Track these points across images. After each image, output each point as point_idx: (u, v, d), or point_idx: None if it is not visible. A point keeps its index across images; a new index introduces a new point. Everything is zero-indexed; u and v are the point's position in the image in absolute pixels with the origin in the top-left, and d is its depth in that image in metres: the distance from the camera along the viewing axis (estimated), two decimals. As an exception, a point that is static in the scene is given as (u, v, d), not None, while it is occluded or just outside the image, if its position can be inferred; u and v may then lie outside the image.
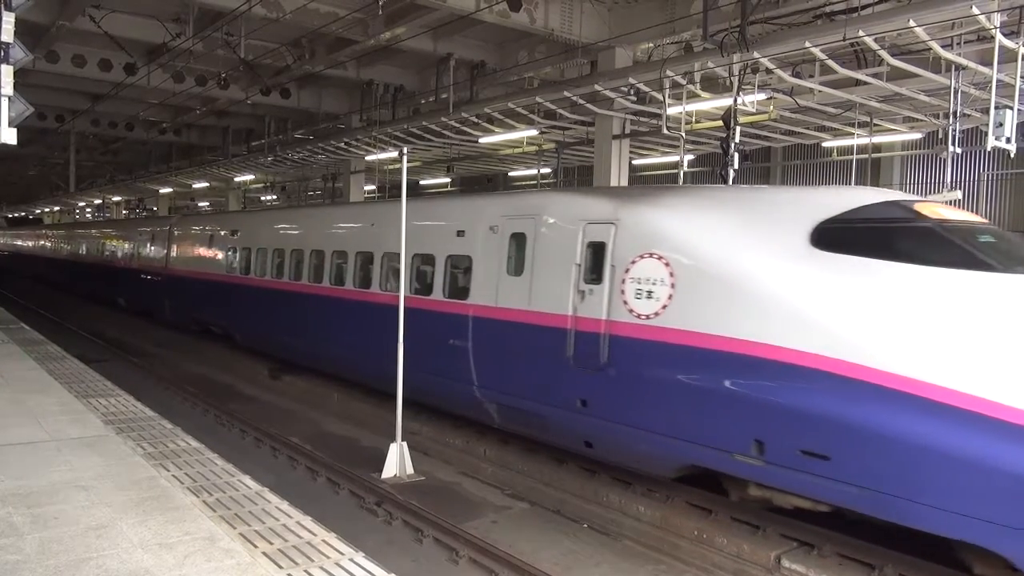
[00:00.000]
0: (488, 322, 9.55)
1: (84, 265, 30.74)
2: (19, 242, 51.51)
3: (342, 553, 4.84)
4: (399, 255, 10.23)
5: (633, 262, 7.75)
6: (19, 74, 6.67)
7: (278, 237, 15.65)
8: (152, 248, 22.27)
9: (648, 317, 7.55)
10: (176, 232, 20.98)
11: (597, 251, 8.22)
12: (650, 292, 7.56)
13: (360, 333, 12.27)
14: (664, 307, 7.42)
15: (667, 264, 7.44)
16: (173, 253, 20.80)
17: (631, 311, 7.70)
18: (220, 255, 17.91)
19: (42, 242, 42.44)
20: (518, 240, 9.32)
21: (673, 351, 7.29)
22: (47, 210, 60.12)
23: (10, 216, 68.60)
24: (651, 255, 7.61)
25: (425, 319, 10.49)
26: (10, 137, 6.60)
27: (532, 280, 8.93)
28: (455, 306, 10.18)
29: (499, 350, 9.48)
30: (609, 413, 8.09)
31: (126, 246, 24.91)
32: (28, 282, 42.01)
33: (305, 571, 4.59)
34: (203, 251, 18.84)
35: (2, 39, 6.39)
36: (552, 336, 8.50)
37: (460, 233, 10.32)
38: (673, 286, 7.36)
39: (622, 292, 7.82)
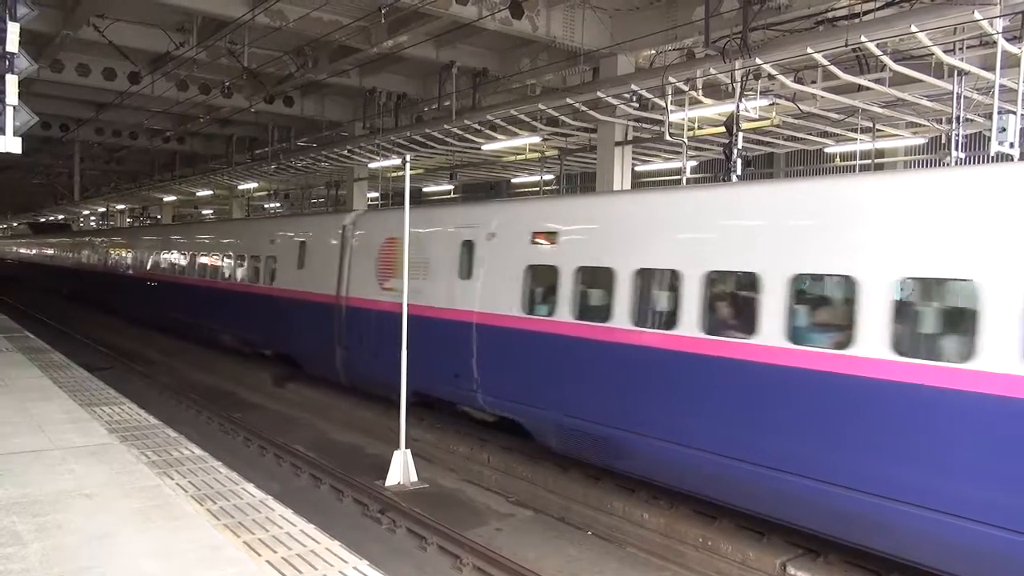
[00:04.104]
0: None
1: (163, 285, 23.08)
2: (52, 252, 41.86)
3: (346, 561, 4.83)
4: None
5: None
6: (24, 83, 6.70)
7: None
8: (302, 261, 15.00)
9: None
10: (359, 236, 13.41)
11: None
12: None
13: None
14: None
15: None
16: (357, 272, 13.30)
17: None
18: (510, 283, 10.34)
19: (86, 252, 33.51)
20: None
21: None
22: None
23: (37, 222, 58.70)
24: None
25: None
26: (15, 146, 6.63)
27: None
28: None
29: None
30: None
31: (242, 259, 17.81)
32: (63, 302, 35.24)
33: (309, 579, 4.58)
34: (443, 273, 11.42)
35: (7, 49, 6.43)
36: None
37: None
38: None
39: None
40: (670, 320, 8.14)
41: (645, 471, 8.52)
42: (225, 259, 18.76)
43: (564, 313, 9.27)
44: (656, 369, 8.28)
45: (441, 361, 10.96)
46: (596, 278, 9.13)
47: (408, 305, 10.58)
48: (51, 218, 56.03)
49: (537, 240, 9.86)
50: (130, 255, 26.64)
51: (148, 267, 24.43)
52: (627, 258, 8.64)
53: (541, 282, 9.81)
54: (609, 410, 8.66)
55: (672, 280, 8.23)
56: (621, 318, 8.58)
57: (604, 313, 8.82)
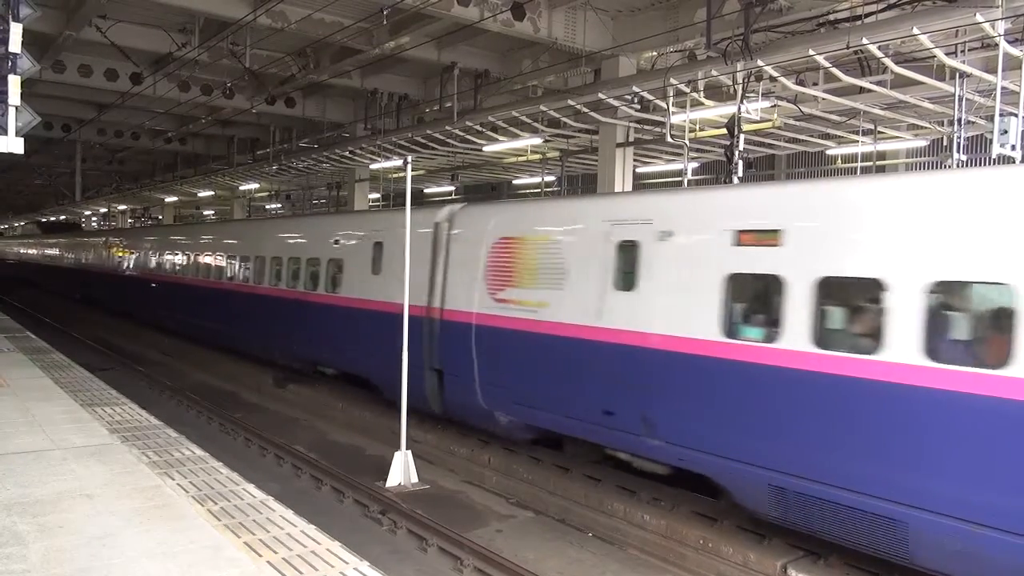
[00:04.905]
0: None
1: (197, 292, 20.47)
2: (67, 253, 38.33)
3: (346, 562, 4.83)
4: None
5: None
6: (26, 84, 6.71)
7: None
8: (378, 265, 12.80)
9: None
10: (458, 235, 11.26)
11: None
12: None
13: None
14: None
15: None
16: (456, 280, 11.08)
17: None
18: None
19: (108, 253, 30.13)
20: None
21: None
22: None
23: (48, 221, 56.13)
24: None
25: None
26: (17, 146, 6.64)
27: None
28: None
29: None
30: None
31: (296, 263, 15.69)
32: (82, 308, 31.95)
33: (310, 580, 4.58)
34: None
35: (9, 49, 6.44)
36: None
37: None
38: None
39: None
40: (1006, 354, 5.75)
41: None
42: (273, 263, 16.37)
43: (796, 339, 6.93)
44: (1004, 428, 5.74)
45: (582, 393, 8.83)
46: (853, 293, 6.86)
47: (535, 320, 9.23)
48: (58, 218, 54.13)
49: (745, 241, 7.56)
50: (160, 257, 23.90)
51: (180, 271, 21.98)
52: (911, 267, 6.28)
53: (752, 297, 7.61)
54: (898, 484, 6.24)
55: (994, 295, 6.01)
56: (905, 350, 6.22)
57: (871, 342, 6.49)
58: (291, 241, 16.16)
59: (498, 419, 10.18)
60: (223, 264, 19.10)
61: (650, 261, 8.28)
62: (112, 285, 29.36)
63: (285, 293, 15.74)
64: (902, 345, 6.24)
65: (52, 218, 54.88)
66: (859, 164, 16.31)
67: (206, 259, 20.34)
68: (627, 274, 8.54)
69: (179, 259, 22.31)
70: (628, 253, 8.56)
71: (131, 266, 27.18)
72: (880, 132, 15.45)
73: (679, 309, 7.91)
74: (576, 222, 9.43)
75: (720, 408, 7.52)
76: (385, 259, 12.53)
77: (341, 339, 13.66)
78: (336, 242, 13.87)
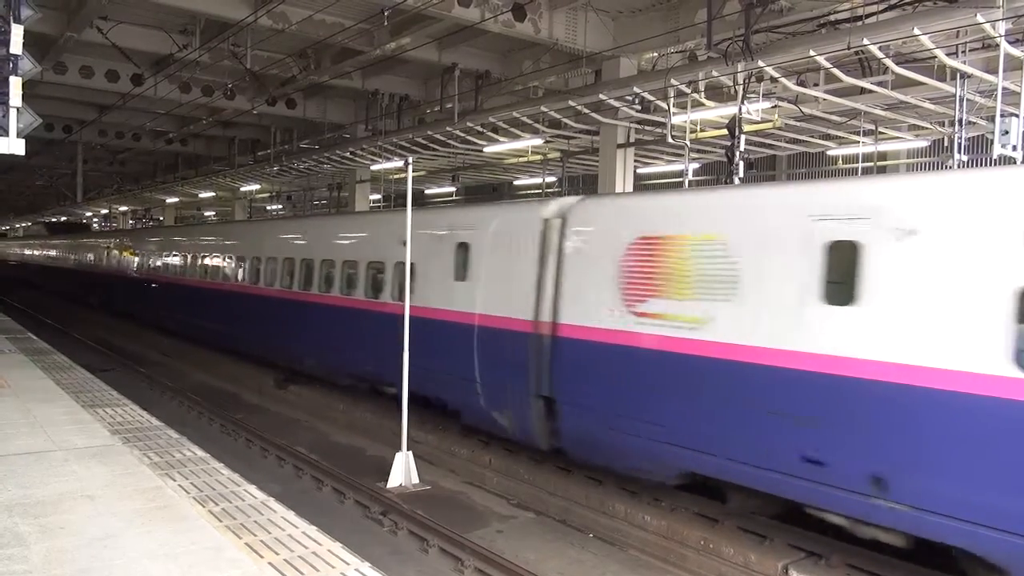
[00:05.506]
0: None
1: (232, 298, 18.33)
2: (81, 255, 34.82)
3: (347, 563, 4.83)
4: None
5: None
6: (27, 85, 6.72)
7: None
8: (464, 271, 11.01)
9: None
10: (578, 235, 9.35)
11: None
12: None
13: None
14: None
15: None
16: (576, 288, 9.16)
17: None
18: None
19: (131, 256, 27.11)
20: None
21: None
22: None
23: (57, 221, 53.68)
24: None
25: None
26: (18, 148, 6.65)
27: None
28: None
29: None
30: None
31: (352, 266, 13.65)
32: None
33: (311, 581, 4.58)
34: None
35: (11, 51, 6.45)
36: None
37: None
38: None
39: None
40: None
41: None
42: (323, 267, 14.36)
43: None
44: None
45: (768, 434, 7.03)
46: None
47: (693, 340, 7.54)
48: (64, 218, 52.50)
49: None
50: (193, 259, 21.23)
51: (214, 275, 19.63)
52: None
53: None
54: None
55: None
56: None
57: None
58: (345, 242, 14.15)
59: (632, 458, 8.42)
60: (260, 268, 16.74)
61: (879, 267, 6.39)
62: (137, 292, 25.94)
63: (337, 301, 13.76)
64: None
65: (56, 219, 53.56)
66: (860, 164, 16.31)
67: (240, 263, 18.05)
68: (840, 284, 6.64)
69: (212, 262, 19.89)
70: (842, 256, 6.65)
71: (160, 270, 23.78)
72: (881, 133, 15.46)
73: (930, 332, 6.08)
74: (757, 217, 7.51)
75: (1007, 465, 5.68)
76: (472, 262, 10.76)
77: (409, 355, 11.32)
78: (405, 243, 11.88)
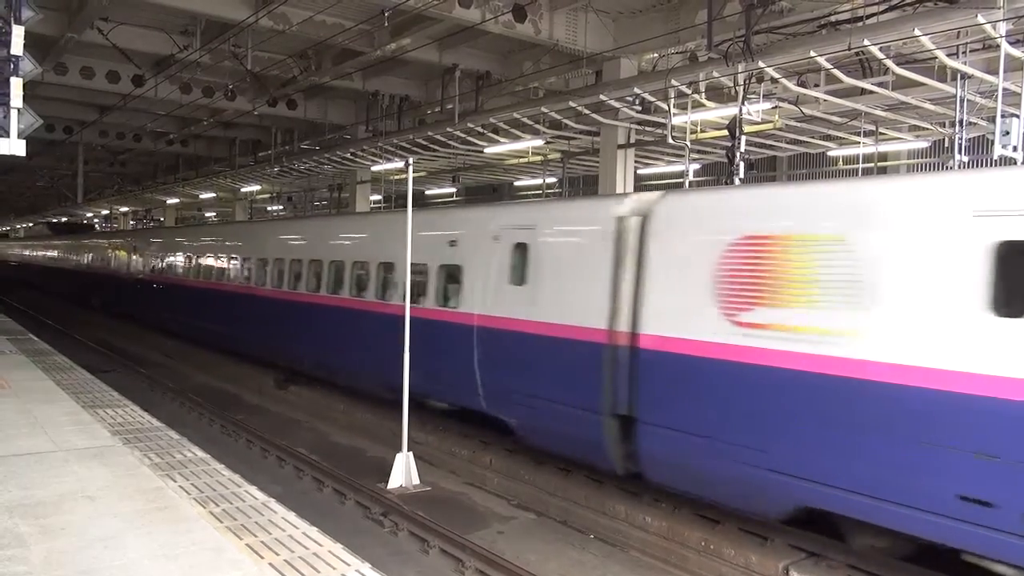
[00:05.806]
0: None
1: (255, 303, 17.00)
2: (86, 256, 33.51)
3: (348, 564, 4.83)
4: None
5: None
6: (28, 86, 6.72)
7: None
8: (522, 274, 9.93)
9: None
10: (661, 234, 8.28)
11: None
12: None
13: None
14: None
15: None
16: (660, 295, 8.15)
17: None
18: None
19: (138, 257, 25.92)
20: None
21: None
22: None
23: (59, 222, 52.24)
24: None
25: None
26: (19, 148, 6.66)
27: None
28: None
29: None
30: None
31: (389, 269, 12.54)
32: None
33: (311, 582, 4.59)
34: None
35: (11, 52, 6.45)
36: None
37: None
38: None
39: None
40: None
41: None
42: (355, 268, 13.37)
43: None
44: None
45: (913, 467, 6.03)
46: None
47: (815, 356, 6.53)
48: (65, 219, 51.80)
49: None
50: (210, 261, 19.93)
51: (234, 277, 18.40)
52: None
53: None
54: None
55: None
56: None
57: None
58: (379, 243, 12.95)
59: (728, 487, 7.49)
60: (286, 271, 15.66)
61: None
62: (146, 294, 24.62)
63: (371, 306, 12.67)
64: None
65: (58, 219, 53.14)
66: (860, 165, 16.31)
67: (262, 265, 16.86)
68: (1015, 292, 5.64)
69: (235, 266, 18.50)
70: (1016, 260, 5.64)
71: (170, 272, 22.52)
72: (881, 133, 15.46)
73: None
74: (897, 212, 6.40)
75: None
76: (531, 265, 9.66)
77: (458, 367, 10.41)
78: (453, 243, 11.01)
